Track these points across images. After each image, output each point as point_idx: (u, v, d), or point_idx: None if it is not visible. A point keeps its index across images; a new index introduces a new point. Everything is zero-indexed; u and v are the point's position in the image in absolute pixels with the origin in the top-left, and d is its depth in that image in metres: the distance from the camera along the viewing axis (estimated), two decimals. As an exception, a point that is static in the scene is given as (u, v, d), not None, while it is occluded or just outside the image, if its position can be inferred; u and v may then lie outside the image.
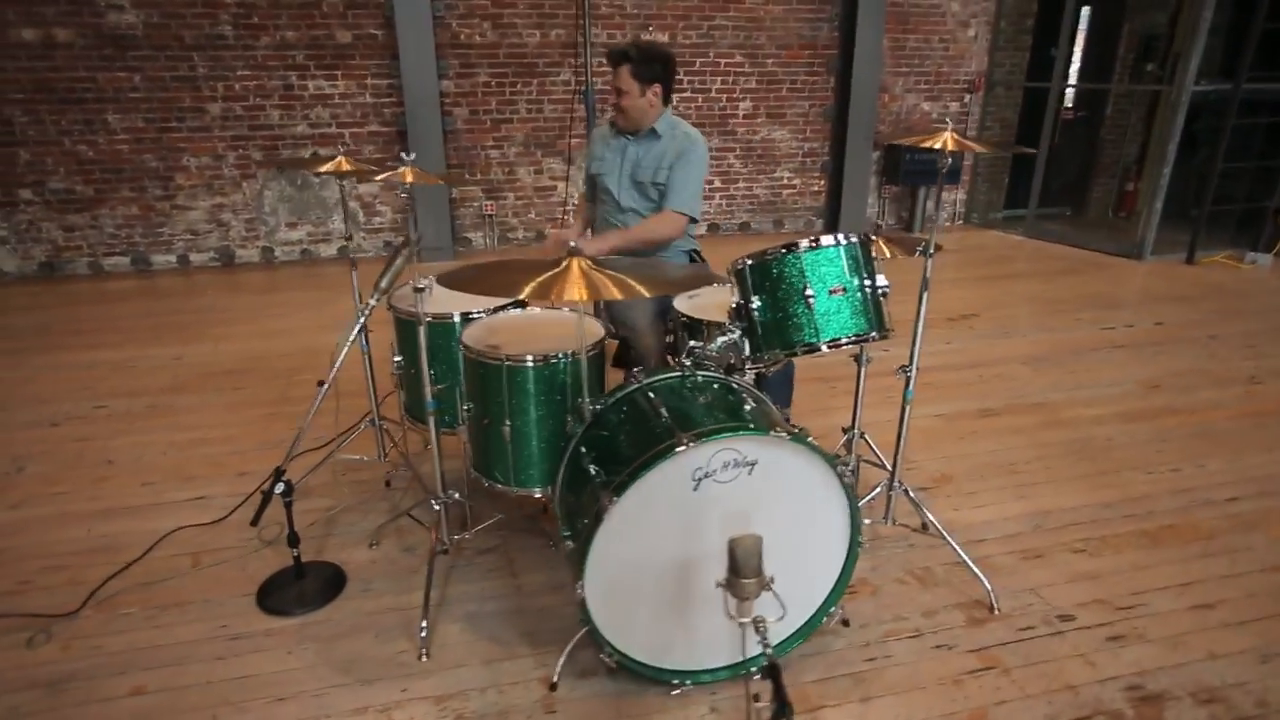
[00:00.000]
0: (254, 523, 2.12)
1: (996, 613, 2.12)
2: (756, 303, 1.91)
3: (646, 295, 1.73)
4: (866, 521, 2.44)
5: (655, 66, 2.60)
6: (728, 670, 1.89)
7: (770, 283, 1.89)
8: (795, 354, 1.92)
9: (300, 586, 2.20)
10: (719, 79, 6.25)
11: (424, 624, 2.00)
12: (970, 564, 2.21)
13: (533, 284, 1.69)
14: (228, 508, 2.59)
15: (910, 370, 2.25)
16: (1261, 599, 2.19)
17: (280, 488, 2.10)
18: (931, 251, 2.09)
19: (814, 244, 1.88)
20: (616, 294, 1.70)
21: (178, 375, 3.82)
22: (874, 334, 1.93)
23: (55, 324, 4.58)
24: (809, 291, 1.84)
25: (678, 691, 1.85)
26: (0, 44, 5.01)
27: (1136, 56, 7.03)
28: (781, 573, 1.80)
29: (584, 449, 1.88)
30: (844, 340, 1.90)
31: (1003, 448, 3.06)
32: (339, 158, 2.57)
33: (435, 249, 5.60)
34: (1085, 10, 6.81)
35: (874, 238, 2.04)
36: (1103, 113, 7.28)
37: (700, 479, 1.68)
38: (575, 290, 1.68)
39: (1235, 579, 2.28)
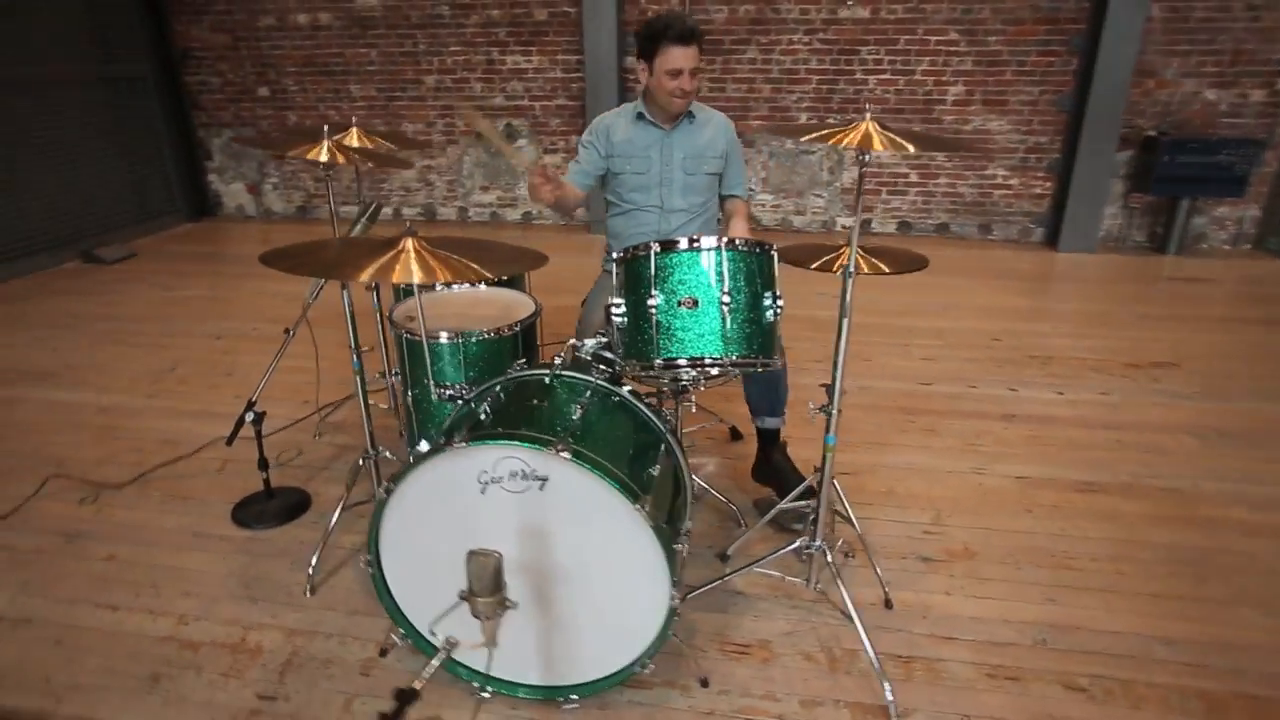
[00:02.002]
0: (228, 442, 2.43)
1: (890, 731, 1.72)
2: (619, 306, 1.72)
3: (489, 276, 1.65)
4: (795, 580, 2.10)
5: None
6: (533, 690, 1.77)
7: (633, 283, 1.69)
8: (651, 369, 1.70)
9: (265, 506, 2.49)
10: (927, 59, 5.54)
11: (314, 563, 2.16)
12: (872, 657, 1.80)
13: (372, 267, 1.67)
14: (276, 427, 3.00)
15: (831, 409, 1.86)
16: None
17: (250, 416, 2.39)
18: (852, 271, 1.71)
19: (692, 244, 1.64)
20: (448, 275, 1.64)
21: (328, 311, 4.42)
22: (729, 358, 1.63)
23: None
24: (651, 300, 1.61)
25: (487, 695, 1.79)
26: (283, 27, 6.12)
27: None
28: (582, 608, 1.66)
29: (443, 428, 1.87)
30: (681, 361, 1.63)
31: (1072, 534, 2.41)
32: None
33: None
34: None
35: (773, 251, 1.71)
36: None
37: (486, 483, 1.59)
38: (410, 272, 1.65)
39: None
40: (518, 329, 2.06)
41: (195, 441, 2.90)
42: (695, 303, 1.61)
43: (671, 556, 1.58)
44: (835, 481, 2.20)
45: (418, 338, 2.06)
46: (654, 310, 1.61)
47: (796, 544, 1.99)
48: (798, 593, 2.13)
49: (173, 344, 3.90)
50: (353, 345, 2.17)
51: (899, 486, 2.67)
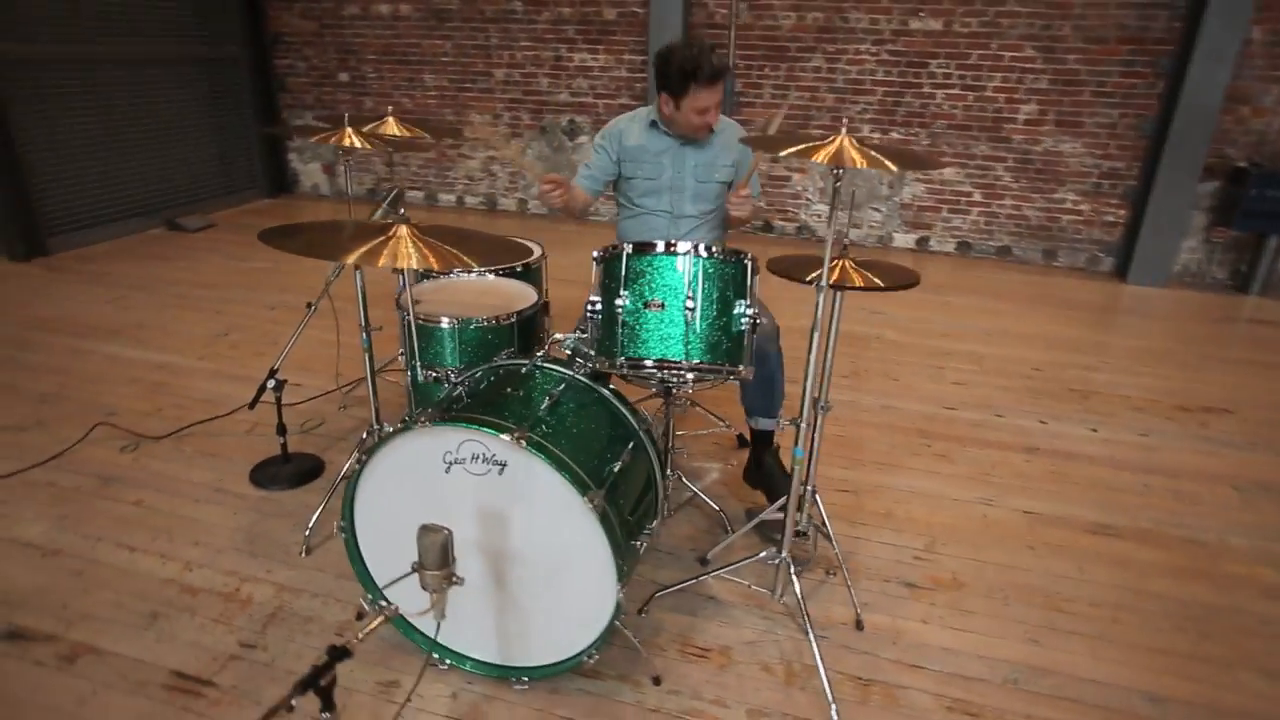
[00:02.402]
0: (250, 406, 2.59)
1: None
2: (596, 303, 1.76)
3: (474, 265, 1.72)
4: (762, 590, 2.10)
5: None
6: (486, 666, 1.84)
7: (607, 282, 1.73)
8: (615, 366, 1.73)
9: (280, 469, 2.64)
10: (999, 75, 5.35)
11: (310, 525, 2.29)
12: (823, 674, 1.79)
13: (360, 250, 1.74)
14: (306, 396, 3.17)
15: (800, 421, 1.85)
16: None
17: (271, 383, 2.54)
18: (824, 284, 1.69)
19: (668, 249, 1.67)
20: (435, 263, 1.71)
21: (378, 289, 4.63)
22: (687, 361, 1.65)
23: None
24: (618, 300, 1.64)
25: (444, 666, 1.86)
26: (366, 15, 6.40)
27: None
28: (536, 592, 1.71)
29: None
30: (648, 362, 1.66)
31: (1072, 576, 2.32)
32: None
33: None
34: None
35: (748, 260, 1.72)
36: None
37: (450, 463, 1.66)
38: (395, 257, 1.73)
39: None
40: (513, 319, 2.12)
41: (232, 403, 3.09)
42: (661, 305, 1.64)
43: (620, 552, 1.62)
44: (818, 496, 2.19)
45: (420, 320, 2.15)
46: (620, 310, 1.65)
47: (763, 554, 1.99)
48: (770, 603, 2.13)
49: (231, 311, 4.16)
50: (363, 324, 2.28)
51: (898, 509, 2.62)
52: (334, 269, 2.52)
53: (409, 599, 1.63)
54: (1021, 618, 2.14)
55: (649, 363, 1.68)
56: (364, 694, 1.80)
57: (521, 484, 1.62)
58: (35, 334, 3.76)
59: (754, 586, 2.12)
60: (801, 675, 1.90)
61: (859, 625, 2.07)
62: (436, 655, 1.86)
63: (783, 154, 1.53)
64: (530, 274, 2.61)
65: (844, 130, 1.55)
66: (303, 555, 2.25)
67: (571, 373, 1.87)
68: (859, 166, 1.51)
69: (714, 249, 1.67)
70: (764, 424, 2.50)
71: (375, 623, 1.44)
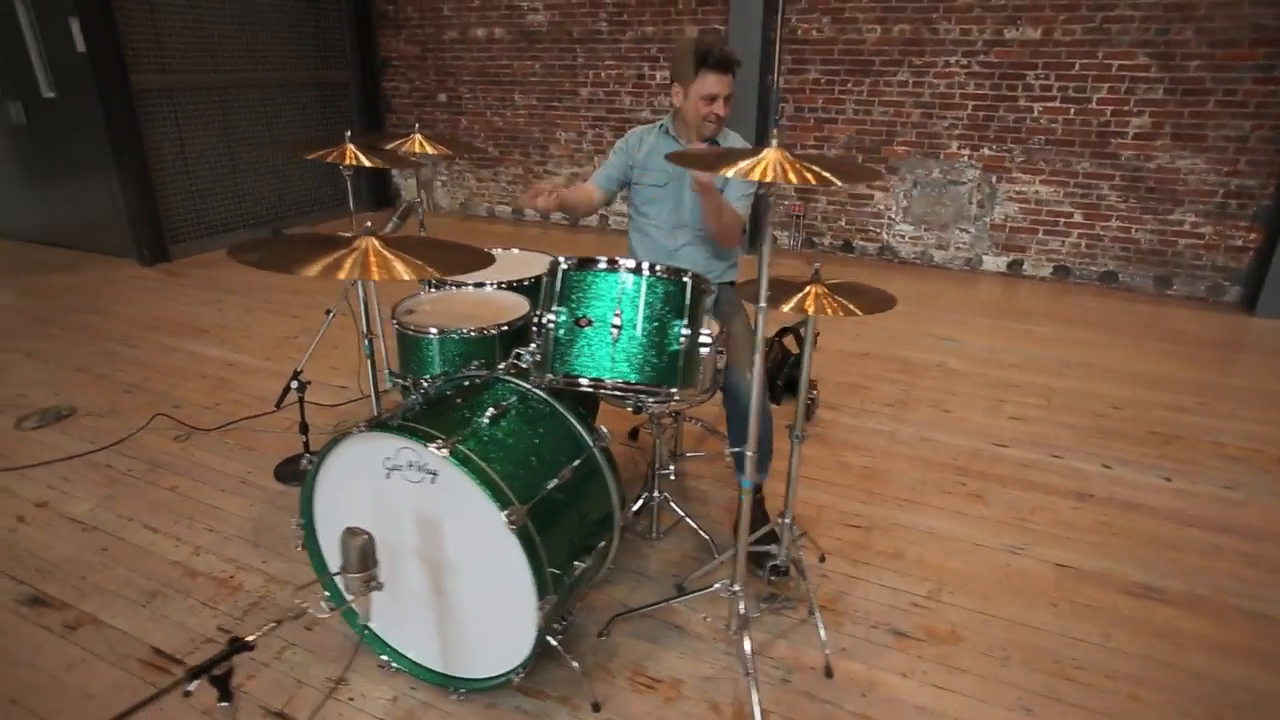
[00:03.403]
0: (277, 405, 2.76)
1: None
2: (545, 317, 1.74)
3: (435, 276, 1.76)
4: (709, 619, 1.99)
5: None
6: (429, 673, 1.85)
7: (552, 296, 1.71)
8: (552, 381, 1.71)
9: (298, 467, 2.79)
10: (1106, 85, 4.90)
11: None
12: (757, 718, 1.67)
13: (320, 263, 1.79)
14: (348, 399, 3.35)
15: (746, 450, 1.74)
16: None
17: (295, 384, 2.70)
18: (762, 305, 1.59)
19: (611, 265, 1.64)
20: (405, 275, 1.75)
21: (390, 299, 4.84)
22: (611, 380, 1.60)
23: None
24: (548, 315, 1.62)
25: (392, 669, 1.90)
26: (463, 40, 6.73)
27: None
28: (470, 604, 1.72)
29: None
30: (583, 380, 1.62)
31: (1094, 641, 2.06)
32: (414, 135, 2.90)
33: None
34: None
35: (687, 279, 1.64)
36: None
37: (390, 469, 1.69)
38: (363, 269, 1.79)
39: None
40: (494, 332, 2.15)
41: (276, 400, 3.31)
42: (590, 322, 1.60)
43: (540, 570, 1.59)
44: (795, 528, 2.07)
45: (409, 330, 2.22)
46: (551, 325, 1.63)
47: (716, 585, 1.90)
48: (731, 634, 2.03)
49: (304, 315, 4.46)
50: (364, 331, 2.38)
51: (910, 550, 2.43)
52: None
53: (392, 602, 1.67)
54: (1018, 682, 1.92)
55: (584, 380, 1.64)
56: (313, 688, 1.87)
57: (450, 494, 1.63)
58: (139, 331, 4.19)
59: (709, 618, 2.02)
60: (747, 718, 1.79)
61: (828, 672, 1.93)
62: (385, 657, 1.90)
63: (725, 173, 1.43)
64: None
65: (773, 143, 1.47)
66: (299, 549, 2.35)
67: (528, 386, 1.87)
68: (791, 181, 1.42)
69: (655, 268, 1.61)
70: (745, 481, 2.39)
71: (274, 624, 1.49)
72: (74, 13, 4.96)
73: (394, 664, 1.89)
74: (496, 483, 1.58)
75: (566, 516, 1.75)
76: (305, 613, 1.56)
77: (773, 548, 2.10)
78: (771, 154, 1.42)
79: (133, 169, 5.30)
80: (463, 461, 1.57)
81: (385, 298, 2.55)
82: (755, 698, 1.71)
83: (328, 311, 2.75)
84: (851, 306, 1.81)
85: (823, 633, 1.98)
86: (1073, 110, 5.04)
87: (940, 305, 4.85)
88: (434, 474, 1.64)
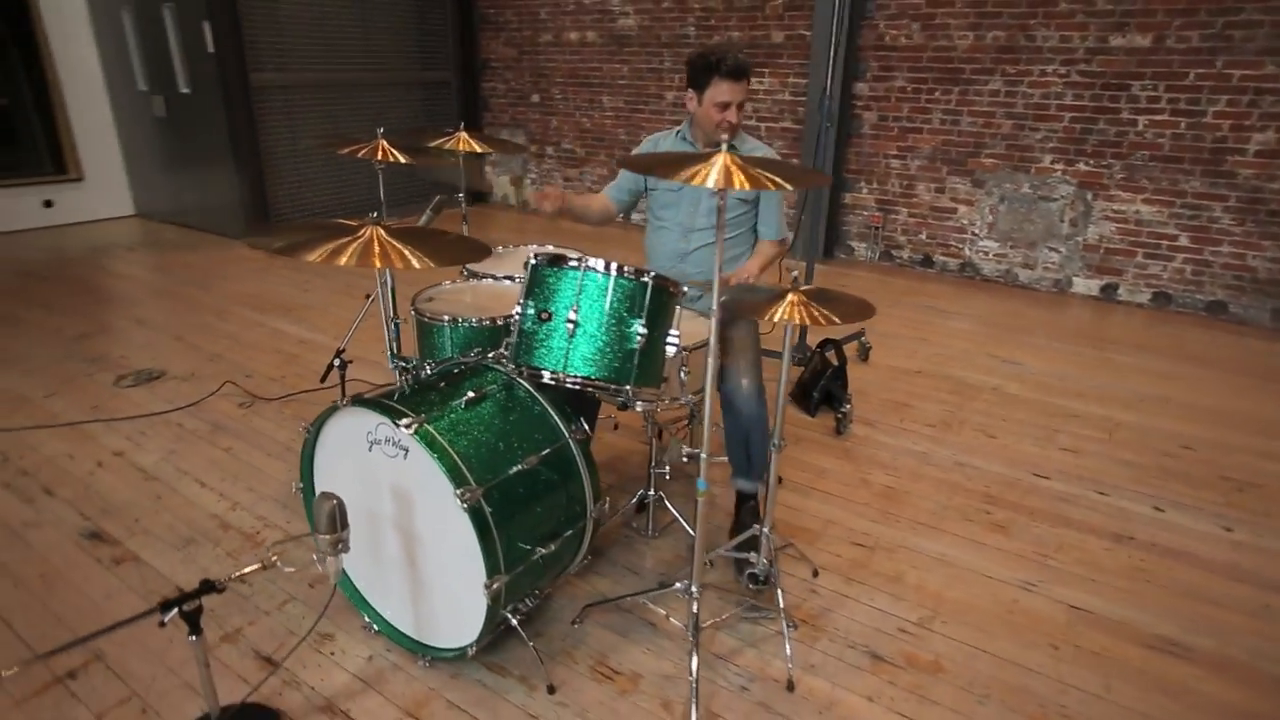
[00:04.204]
0: (321, 380, 2.98)
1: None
2: (515, 310, 1.81)
3: (432, 265, 1.87)
4: (670, 618, 1.99)
5: None
6: (404, 638, 1.97)
7: (527, 290, 1.78)
8: (517, 373, 1.78)
9: (341, 437, 2.99)
10: (1224, 97, 4.49)
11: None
12: None
13: (347, 251, 1.95)
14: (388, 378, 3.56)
15: (700, 454, 1.74)
16: None
17: (337, 362, 2.91)
18: (714, 309, 1.58)
19: (581, 263, 1.69)
20: (415, 264, 1.87)
21: (410, 289, 5.03)
22: (565, 374, 1.65)
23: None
24: (517, 309, 1.69)
25: (374, 631, 2.02)
26: (557, 43, 6.95)
27: None
28: (437, 577, 1.82)
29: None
30: (545, 373, 1.68)
31: (1090, 691, 1.93)
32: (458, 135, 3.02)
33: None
34: None
35: (647, 279, 1.66)
36: None
37: (372, 443, 1.81)
38: (356, 256, 1.91)
39: None
40: (502, 322, 2.24)
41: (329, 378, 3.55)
42: (549, 316, 1.66)
43: (490, 550, 1.66)
44: (770, 537, 2.06)
45: (425, 317, 2.36)
46: (517, 318, 1.70)
47: (676, 585, 1.91)
48: (709, 641, 2.03)
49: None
50: (384, 319, 2.54)
51: (911, 575, 2.34)
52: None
53: (356, 563, 1.83)
54: (985, 714, 1.83)
55: (546, 373, 1.70)
56: (301, 644, 2.02)
57: (418, 470, 1.73)
58: (233, 306, 4.59)
59: (670, 617, 2.03)
60: (698, 721, 1.80)
61: (790, 686, 1.90)
62: (368, 619, 2.03)
63: (674, 179, 1.46)
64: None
65: (724, 147, 1.47)
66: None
67: (507, 371, 1.94)
68: (744, 188, 1.42)
69: (617, 268, 1.65)
70: (740, 484, 2.38)
71: (248, 569, 1.63)
72: (206, 16, 5.50)
73: (375, 626, 2.02)
74: (456, 462, 1.66)
75: (529, 502, 1.81)
76: (275, 564, 1.71)
77: (751, 555, 2.09)
78: (722, 159, 1.43)
79: (247, 159, 5.81)
80: (426, 440, 1.67)
81: (421, 286, 2.71)
82: (694, 705, 1.71)
83: (367, 296, 2.93)
84: (830, 314, 1.77)
85: (788, 646, 1.96)
86: (1184, 124, 4.65)
87: (1014, 326, 4.60)
88: (405, 450, 1.74)
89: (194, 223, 6.48)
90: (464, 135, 2.88)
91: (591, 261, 1.65)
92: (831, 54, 3.48)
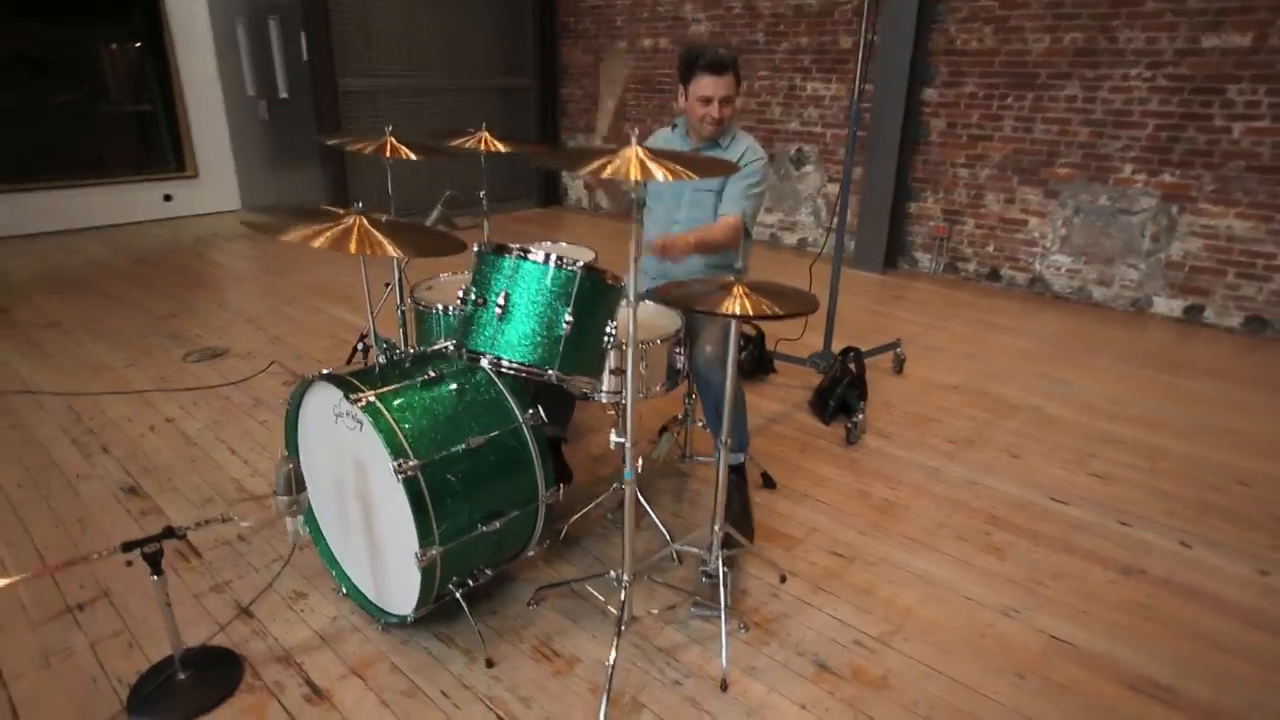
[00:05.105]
0: (347, 362, 3.18)
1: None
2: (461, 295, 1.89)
3: (407, 255, 1.99)
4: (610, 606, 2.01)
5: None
6: (367, 603, 2.09)
7: (472, 277, 1.86)
8: (459, 356, 1.87)
9: (363, 417, 3.19)
10: (1333, 105, 4.07)
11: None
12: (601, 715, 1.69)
13: (324, 235, 2.09)
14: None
15: (625, 441, 1.75)
16: None
17: (360, 345, 3.11)
18: (631, 300, 1.60)
19: (513, 253, 1.76)
20: (395, 252, 1.99)
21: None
22: (492, 356, 1.73)
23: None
24: (459, 293, 1.77)
25: (342, 593, 2.16)
26: (632, 50, 7.07)
27: None
28: (388, 545, 1.94)
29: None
30: (482, 357, 1.75)
31: (1047, 721, 1.82)
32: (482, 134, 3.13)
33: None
34: None
35: (575, 269, 1.70)
36: None
37: (338, 415, 1.95)
38: (333, 242, 2.04)
39: None
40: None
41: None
42: (483, 302, 1.73)
43: (422, 519, 1.75)
44: (719, 534, 2.05)
45: (420, 305, 2.49)
46: (458, 301, 1.78)
47: (610, 573, 1.93)
48: (655, 634, 2.05)
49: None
50: (398, 302, 2.69)
51: (884, 589, 2.27)
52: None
53: (331, 529, 1.98)
54: (934, 745, 1.76)
55: (483, 357, 1.78)
56: (280, 595, 2.18)
57: (369, 442, 1.84)
58: (303, 294, 4.95)
59: (611, 607, 2.06)
60: (619, 709, 1.82)
61: (724, 686, 1.89)
62: (337, 581, 2.16)
63: (580, 173, 1.50)
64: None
65: (633, 139, 1.49)
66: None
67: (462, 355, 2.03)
68: (661, 179, 1.44)
69: (547, 257, 1.70)
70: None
71: (210, 519, 1.79)
72: (303, 26, 5.95)
73: (343, 589, 2.15)
74: (398, 436, 1.77)
75: (470, 480, 1.89)
76: (231, 519, 1.86)
77: (703, 553, 2.09)
78: (631, 151, 1.46)
79: (332, 161, 6.23)
80: (373, 414, 1.78)
81: (425, 276, 2.86)
82: (605, 693, 1.74)
83: (386, 285, 3.10)
84: (772, 306, 1.75)
85: (724, 645, 1.94)
86: (1284, 133, 4.24)
87: (1075, 346, 4.32)
88: (361, 424, 1.86)
89: (289, 218, 7.01)
90: (485, 135, 3.00)
91: (533, 251, 1.71)
92: (861, 55, 3.40)
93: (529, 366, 1.72)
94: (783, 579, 2.29)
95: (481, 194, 3.12)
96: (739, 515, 2.42)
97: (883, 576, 2.33)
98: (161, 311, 4.56)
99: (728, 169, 1.78)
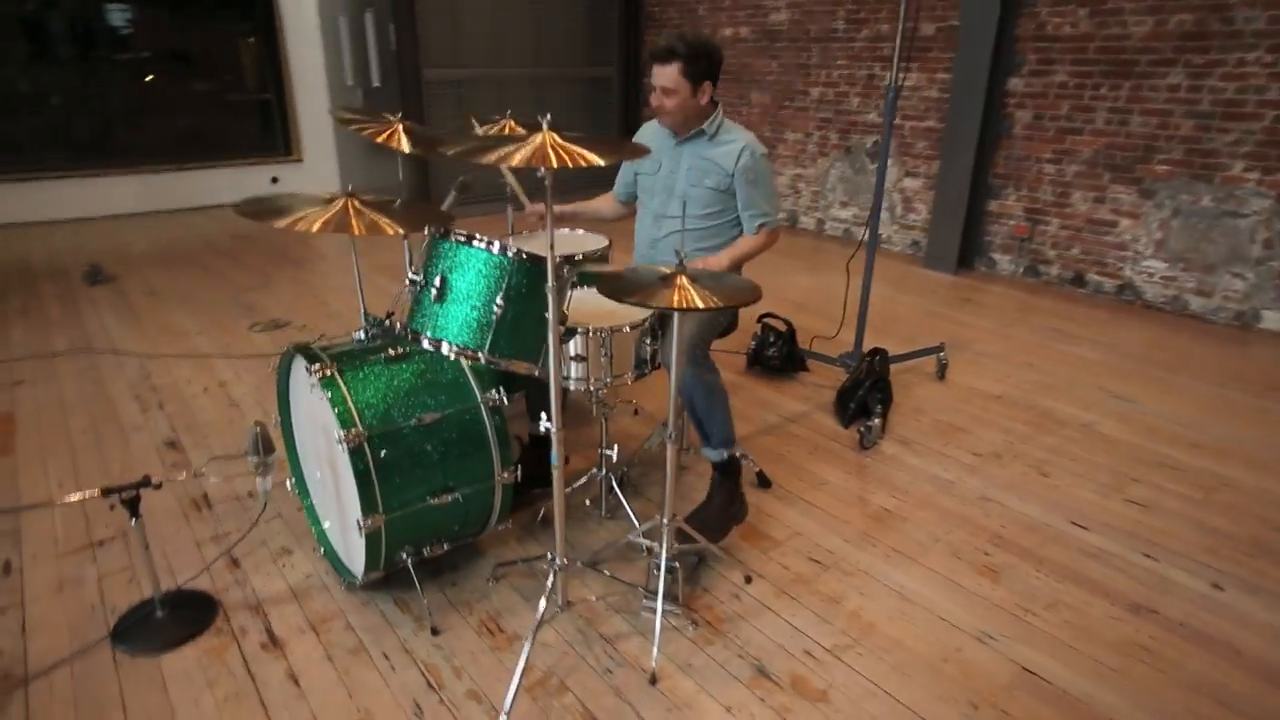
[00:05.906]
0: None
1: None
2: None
3: (395, 233, 2.09)
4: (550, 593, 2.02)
5: (703, 62, 2.33)
6: (339, 564, 2.20)
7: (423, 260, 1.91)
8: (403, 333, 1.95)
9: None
10: None
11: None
12: (509, 695, 1.70)
13: (301, 213, 2.18)
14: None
15: (552, 428, 1.75)
16: None
17: (386, 322, 3.25)
18: (575, 282, 1.59)
19: (468, 238, 1.79)
20: (390, 230, 2.08)
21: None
22: (430, 337, 1.79)
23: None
24: (410, 276, 1.82)
25: (319, 553, 2.29)
26: (713, 39, 6.98)
27: None
28: (350, 509, 2.03)
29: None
30: (423, 338, 1.81)
31: (990, 757, 1.69)
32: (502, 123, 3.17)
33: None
34: None
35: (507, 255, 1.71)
36: None
37: (311, 385, 2.06)
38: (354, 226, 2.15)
39: None
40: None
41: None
42: (424, 285, 1.78)
43: (365, 487, 1.83)
44: (669, 529, 2.02)
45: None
46: (406, 285, 1.84)
47: (547, 555, 1.95)
48: (601, 621, 2.06)
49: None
50: (360, 289, 2.80)
51: (851, 602, 2.17)
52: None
53: (315, 491, 2.12)
54: (857, 765, 1.68)
55: (423, 338, 1.84)
56: (269, 550, 2.33)
57: (329, 411, 1.94)
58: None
59: (557, 591, 2.07)
60: (545, 690, 1.84)
61: (653, 679, 1.87)
62: (317, 541, 2.29)
63: (486, 160, 1.49)
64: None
65: (545, 125, 1.48)
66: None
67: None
68: (570, 165, 1.43)
69: (497, 245, 1.72)
70: (706, 454, 2.36)
71: (181, 476, 1.94)
72: (392, 18, 6.26)
73: (322, 548, 2.28)
74: (349, 407, 1.86)
75: (420, 454, 1.95)
76: (203, 474, 2.01)
77: (653, 545, 2.07)
78: (543, 137, 1.46)
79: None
80: (328, 385, 1.87)
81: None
82: (518, 671, 1.76)
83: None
84: (712, 297, 1.70)
85: (656, 642, 1.92)
86: None
87: (1153, 360, 3.94)
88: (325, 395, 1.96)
89: (379, 201, 7.41)
90: (510, 122, 3.06)
91: (478, 239, 1.75)
92: (897, 41, 3.23)
93: (463, 349, 1.76)
94: (748, 580, 2.24)
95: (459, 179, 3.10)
96: (716, 512, 2.38)
97: (853, 587, 2.23)
98: (243, 284, 4.95)
99: (639, 151, 1.76)
